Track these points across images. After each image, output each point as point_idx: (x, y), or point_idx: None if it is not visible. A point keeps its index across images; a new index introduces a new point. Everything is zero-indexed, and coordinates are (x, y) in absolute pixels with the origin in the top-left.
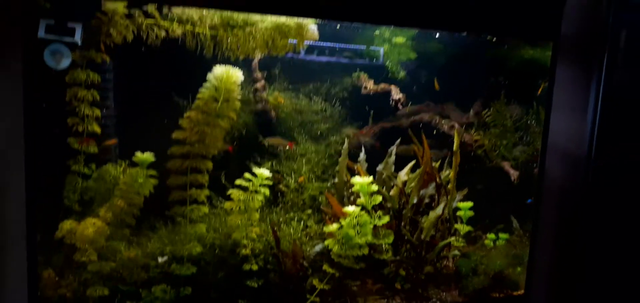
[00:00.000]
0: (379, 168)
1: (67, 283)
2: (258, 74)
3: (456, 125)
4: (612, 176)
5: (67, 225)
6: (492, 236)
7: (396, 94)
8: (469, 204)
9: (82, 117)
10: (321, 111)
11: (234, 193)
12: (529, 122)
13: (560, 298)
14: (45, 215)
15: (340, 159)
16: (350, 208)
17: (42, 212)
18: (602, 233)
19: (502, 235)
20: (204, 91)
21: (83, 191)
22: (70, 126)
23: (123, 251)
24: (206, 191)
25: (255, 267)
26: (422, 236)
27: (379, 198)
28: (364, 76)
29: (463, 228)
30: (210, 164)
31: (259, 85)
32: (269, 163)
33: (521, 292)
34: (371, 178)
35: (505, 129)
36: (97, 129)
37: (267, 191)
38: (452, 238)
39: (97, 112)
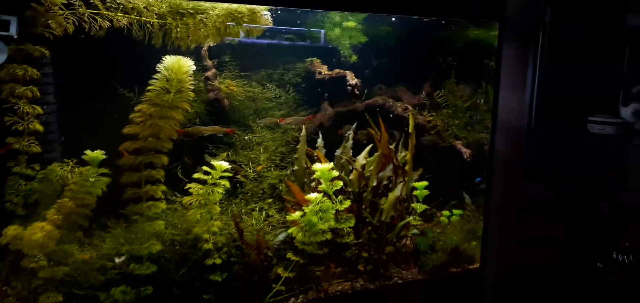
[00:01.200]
0: (337, 152)
1: (15, 293)
2: (208, 62)
3: (409, 107)
4: (550, 148)
5: (12, 230)
6: (446, 213)
7: (351, 79)
8: (425, 183)
9: (22, 115)
10: (275, 98)
11: (193, 187)
12: (478, 101)
13: (511, 269)
14: None
15: (298, 146)
16: (313, 195)
17: None
18: (544, 202)
19: (456, 212)
20: (155, 83)
21: (27, 193)
22: (8, 125)
23: (76, 255)
24: (162, 187)
25: (218, 261)
26: (383, 218)
27: (340, 184)
28: (317, 62)
29: (419, 207)
30: (165, 159)
31: (210, 73)
32: (224, 154)
33: (477, 265)
34: (331, 164)
35: (457, 109)
36: (38, 127)
37: (226, 183)
38: (411, 218)
39: (38, 109)
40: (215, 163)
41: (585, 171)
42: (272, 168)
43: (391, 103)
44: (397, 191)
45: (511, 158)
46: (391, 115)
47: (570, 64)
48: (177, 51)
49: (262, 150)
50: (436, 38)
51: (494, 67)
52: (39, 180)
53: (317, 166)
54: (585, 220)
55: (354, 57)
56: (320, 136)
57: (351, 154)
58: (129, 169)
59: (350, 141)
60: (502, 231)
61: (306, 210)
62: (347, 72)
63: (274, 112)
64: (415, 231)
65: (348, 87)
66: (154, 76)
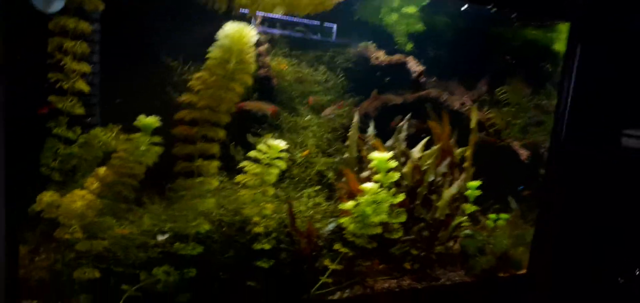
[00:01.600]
0: (389, 144)
1: (47, 265)
2: (261, 36)
3: (467, 102)
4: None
5: (48, 197)
6: (493, 216)
7: (415, 66)
8: (477, 183)
9: (67, 73)
10: (323, 81)
11: (248, 165)
12: (541, 102)
13: (562, 278)
14: (18, 184)
15: (350, 134)
16: (368, 185)
17: (14, 181)
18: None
19: (503, 215)
20: (215, 51)
21: (65, 158)
22: (52, 82)
23: (116, 229)
24: (216, 163)
25: (267, 246)
26: (436, 215)
27: (396, 176)
28: (371, 46)
29: (469, 208)
30: (221, 133)
31: (262, 48)
32: (269, 135)
33: (523, 271)
34: (391, 153)
35: (519, 108)
36: (84, 87)
37: (283, 164)
38: (464, 218)
39: (86, 67)
40: (271, 142)
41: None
42: (319, 154)
43: (446, 97)
44: (454, 189)
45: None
46: (443, 109)
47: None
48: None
49: (310, 134)
50: (494, 35)
51: (550, 69)
52: (79, 145)
53: (374, 154)
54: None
55: (410, 45)
56: (372, 124)
57: (404, 146)
58: (183, 140)
59: (404, 133)
60: (551, 238)
61: (360, 200)
62: (409, 58)
63: (320, 97)
64: (468, 232)
65: (412, 75)
66: (214, 44)
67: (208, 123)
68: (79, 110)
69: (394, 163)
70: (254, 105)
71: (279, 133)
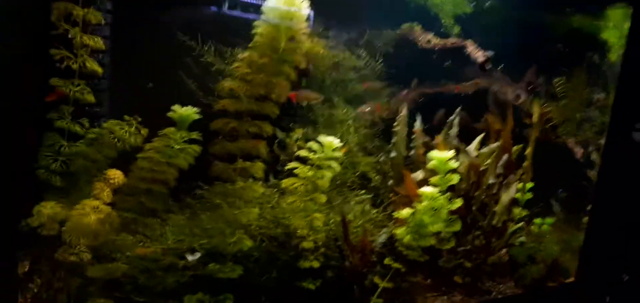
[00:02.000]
0: (438, 140)
1: (49, 295)
2: None
3: (523, 94)
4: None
5: (49, 208)
6: (538, 221)
7: (475, 51)
8: (530, 185)
9: (76, 49)
10: (360, 68)
11: (299, 168)
12: (600, 96)
13: (612, 287)
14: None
15: (397, 129)
16: (427, 189)
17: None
18: None
19: (548, 220)
20: (264, 27)
21: (69, 158)
22: (57, 60)
23: (137, 249)
24: (261, 165)
25: (316, 264)
26: (494, 222)
27: (456, 178)
28: (418, 28)
29: (520, 212)
30: (270, 129)
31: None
32: (301, 130)
33: (571, 279)
34: (452, 152)
35: (578, 102)
36: (96, 68)
37: (337, 166)
38: (520, 224)
39: (99, 42)
40: (323, 139)
41: None
42: (360, 152)
43: (498, 88)
44: (512, 192)
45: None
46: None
47: None
48: None
49: (352, 130)
50: (543, 21)
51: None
52: (87, 142)
53: (434, 154)
54: None
55: (457, 29)
56: (419, 119)
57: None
58: (223, 136)
59: (455, 128)
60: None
61: (418, 207)
62: (468, 42)
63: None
64: (523, 239)
65: (475, 62)
66: (260, 19)
67: (254, 116)
68: (89, 97)
69: (455, 164)
70: (305, 95)
71: (313, 126)
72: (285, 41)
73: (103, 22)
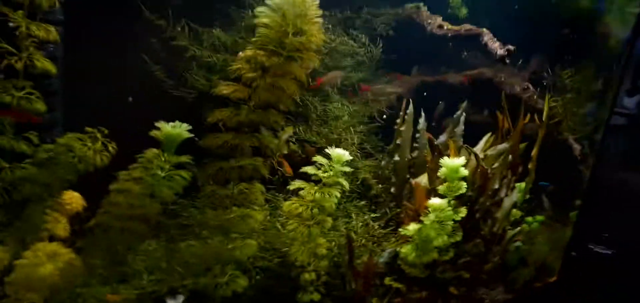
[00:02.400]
0: (442, 139)
1: None
2: None
3: (529, 87)
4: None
5: None
6: (529, 219)
7: (493, 42)
8: (523, 185)
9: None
10: (353, 54)
11: (306, 189)
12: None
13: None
14: None
15: (401, 129)
16: (436, 201)
17: None
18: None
19: (538, 218)
20: (268, 14)
21: (14, 185)
22: None
23: (108, 296)
24: (260, 186)
25: (316, 297)
26: (495, 229)
27: (463, 187)
28: (425, 11)
29: (515, 213)
30: (274, 143)
31: None
32: (291, 128)
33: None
34: (463, 158)
35: (585, 96)
36: (48, 66)
37: (345, 183)
38: (518, 229)
39: (53, 32)
40: (332, 151)
41: None
42: (358, 155)
43: (503, 79)
44: (514, 196)
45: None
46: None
47: None
48: None
49: (343, 125)
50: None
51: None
52: (37, 162)
53: (446, 161)
54: None
55: (464, 11)
56: (423, 117)
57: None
58: (219, 156)
59: (462, 126)
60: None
61: (425, 221)
62: (484, 30)
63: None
64: (519, 243)
65: (496, 55)
66: (261, 9)
67: (254, 127)
68: (38, 105)
69: (466, 172)
70: (331, 77)
71: (305, 123)
72: (292, 33)
73: (57, 3)
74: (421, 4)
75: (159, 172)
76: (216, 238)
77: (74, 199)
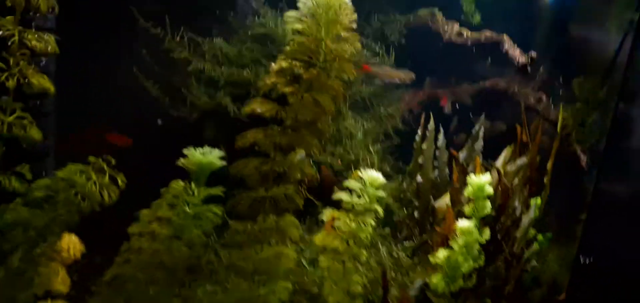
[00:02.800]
0: (463, 156)
1: None
2: None
3: (544, 97)
4: None
5: None
6: (539, 237)
7: (513, 49)
8: (538, 200)
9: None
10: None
11: (342, 219)
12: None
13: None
14: None
15: (423, 147)
16: (464, 223)
17: None
18: None
19: (548, 234)
20: (305, 23)
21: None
22: None
23: None
24: (295, 221)
25: None
26: (514, 248)
27: (489, 206)
28: (440, 16)
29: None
30: (311, 170)
31: None
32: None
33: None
34: (488, 176)
35: (594, 104)
36: (46, 85)
37: (379, 210)
38: (535, 247)
39: (51, 43)
40: (365, 174)
41: None
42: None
43: (516, 89)
44: (532, 213)
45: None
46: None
47: None
48: None
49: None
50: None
51: None
52: (31, 202)
53: (473, 179)
54: None
55: (477, 18)
56: (442, 133)
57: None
58: (247, 186)
59: (481, 141)
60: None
61: (454, 245)
62: (504, 36)
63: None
64: (534, 263)
65: (517, 63)
66: (291, 16)
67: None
68: (33, 133)
69: (490, 190)
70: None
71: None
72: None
73: (52, 7)
74: (436, 10)
75: (187, 209)
76: (244, 283)
77: (72, 244)
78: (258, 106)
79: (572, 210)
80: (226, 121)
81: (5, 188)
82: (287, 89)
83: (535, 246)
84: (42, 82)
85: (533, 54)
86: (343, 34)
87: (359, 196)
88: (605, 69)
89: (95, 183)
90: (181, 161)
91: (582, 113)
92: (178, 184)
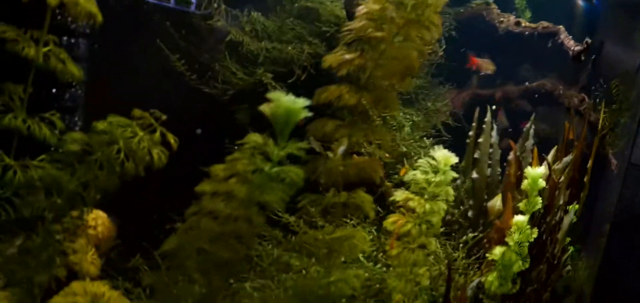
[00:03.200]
0: (512, 156)
1: None
2: None
3: (586, 99)
4: None
5: None
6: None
7: (568, 39)
8: (575, 207)
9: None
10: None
11: (415, 200)
12: None
13: None
14: None
15: (479, 141)
16: (520, 218)
17: None
18: None
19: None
20: None
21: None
22: None
23: None
24: (369, 198)
25: None
26: (555, 251)
27: (539, 202)
28: (495, 9)
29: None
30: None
31: None
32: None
33: None
34: (543, 168)
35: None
36: (72, 69)
37: (450, 193)
38: (571, 249)
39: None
40: (438, 154)
41: None
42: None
43: (561, 91)
44: (572, 214)
45: None
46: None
47: None
48: None
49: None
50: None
51: None
52: (64, 158)
53: (530, 171)
54: None
55: (528, 14)
56: (495, 126)
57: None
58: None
59: (531, 139)
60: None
61: (509, 241)
62: (561, 28)
63: None
64: (569, 267)
65: (571, 52)
66: None
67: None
68: (70, 66)
69: (543, 183)
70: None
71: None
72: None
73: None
74: (491, 1)
75: (266, 167)
76: (313, 267)
77: (99, 220)
78: (344, 54)
79: (599, 216)
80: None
81: (35, 136)
82: (378, 34)
83: (571, 249)
84: (71, 68)
85: (588, 40)
86: None
87: (434, 173)
88: (634, 71)
89: (142, 139)
90: (264, 107)
91: (616, 115)
92: (255, 137)
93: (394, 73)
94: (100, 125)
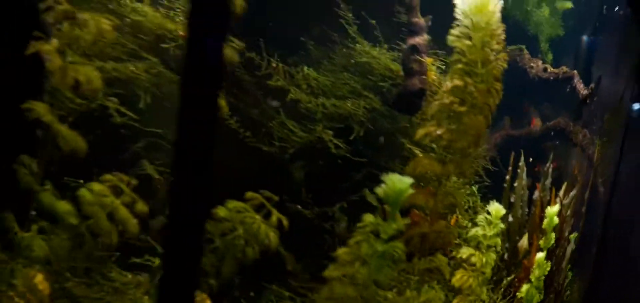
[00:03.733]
0: (536, 196)
1: None
2: (419, 19)
3: (587, 134)
4: None
5: None
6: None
7: (580, 83)
8: (575, 236)
9: None
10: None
11: (476, 256)
12: None
13: None
14: None
15: (515, 185)
16: (540, 255)
17: None
18: None
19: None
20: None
21: None
22: None
23: None
24: (445, 260)
25: None
26: (561, 281)
27: (554, 237)
28: (527, 54)
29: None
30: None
31: (420, 40)
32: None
33: None
34: (557, 207)
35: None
36: None
37: (499, 243)
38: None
39: None
40: (492, 207)
41: None
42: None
43: (572, 128)
44: (573, 243)
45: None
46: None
47: None
48: None
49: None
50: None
51: None
52: None
53: (550, 210)
54: None
55: (550, 56)
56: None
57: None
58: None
59: (550, 179)
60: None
61: (532, 277)
62: (575, 72)
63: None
64: (568, 292)
65: (580, 96)
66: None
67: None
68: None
69: (557, 220)
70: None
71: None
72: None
73: None
74: (524, 47)
75: (379, 246)
76: None
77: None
78: (436, 129)
79: (588, 241)
80: (322, 158)
81: None
82: (462, 108)
83: (569, 275)
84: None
85: (592, 85)
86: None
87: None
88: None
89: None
90: (378, 189)
91: (606, 147)
92: (369, 217)
93: (469, 141)
94: (221, 212)
